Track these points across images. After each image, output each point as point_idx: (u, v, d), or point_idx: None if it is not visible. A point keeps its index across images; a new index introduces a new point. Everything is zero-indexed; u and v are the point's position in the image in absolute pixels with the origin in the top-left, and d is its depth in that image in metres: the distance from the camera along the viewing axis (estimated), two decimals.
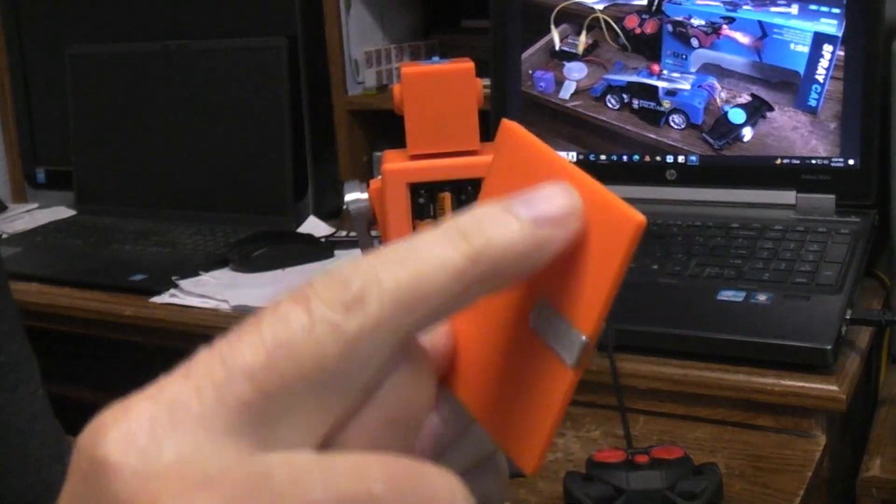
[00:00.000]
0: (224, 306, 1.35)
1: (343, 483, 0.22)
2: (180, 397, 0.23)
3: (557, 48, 1.42)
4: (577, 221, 0.26)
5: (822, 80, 1.27)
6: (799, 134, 1.29)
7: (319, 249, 1.53)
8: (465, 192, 0.59)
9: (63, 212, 1.91)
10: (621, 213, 0.27)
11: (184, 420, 0.23)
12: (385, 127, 1.69)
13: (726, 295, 1.10)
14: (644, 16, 1.37)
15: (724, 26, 1.32)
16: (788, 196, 1.29)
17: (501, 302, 0.29)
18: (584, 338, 0.27)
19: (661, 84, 1.36)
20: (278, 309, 0.24)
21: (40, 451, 0.79)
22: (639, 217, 0.26)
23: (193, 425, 0.23)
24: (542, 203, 0.26)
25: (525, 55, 1.44)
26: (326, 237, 1.61)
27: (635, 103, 1.38)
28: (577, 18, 1.41)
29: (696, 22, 1.34)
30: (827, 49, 1.27)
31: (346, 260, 0.25)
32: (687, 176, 1.35)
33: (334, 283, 0.24)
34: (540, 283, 0.28)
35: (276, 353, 0.23)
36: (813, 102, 1.28)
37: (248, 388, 0.23)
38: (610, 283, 0.26)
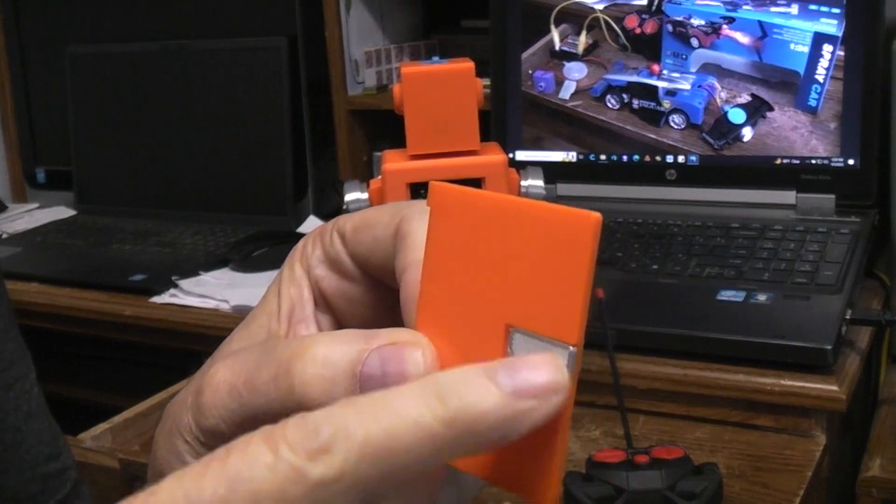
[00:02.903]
0: (224, 306, 1.35)
1: None
2: None
3: (557, 48, 1.42)
4: (560, 398, 0.26)
5: (822, 80, 1.27)
6: (799, 134, 1.29)
7: None
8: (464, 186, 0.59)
9: (63, 212, 1.91)
10: (576, 216, 0.26)
11: None
12: (385, 127, 1.69)
13: (726, 295, 1.10)
14: (644, 16, 1.37)
15: (724, 26, 1.32)
16: (788, 196, 1.29)
17: (474, 355, 0.28)
18: (571, 348, 0.26)
19: (661, 84, 1.36)
20: (248, 446, 0.24)
21: (37, 449, 0.80)
22: (594, 214, 0.26)
23: None
24: (526, 374, 0.25)
25: (525, 55, 1.44)
26: None
27: (635, 103, 1.38)
28: (577, 18, 1.41)
29: (696, 22, 1.34)
30: (827, 49, 1.27)
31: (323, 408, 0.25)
32: (687, 176, 1.35)
33: (304, 429, 0.24)
34: (505, 315, 0.28)
35: (236, 488, 0.23)
36: (813, 102, 1.28)
37: None
38: (583, 288, 0.26)
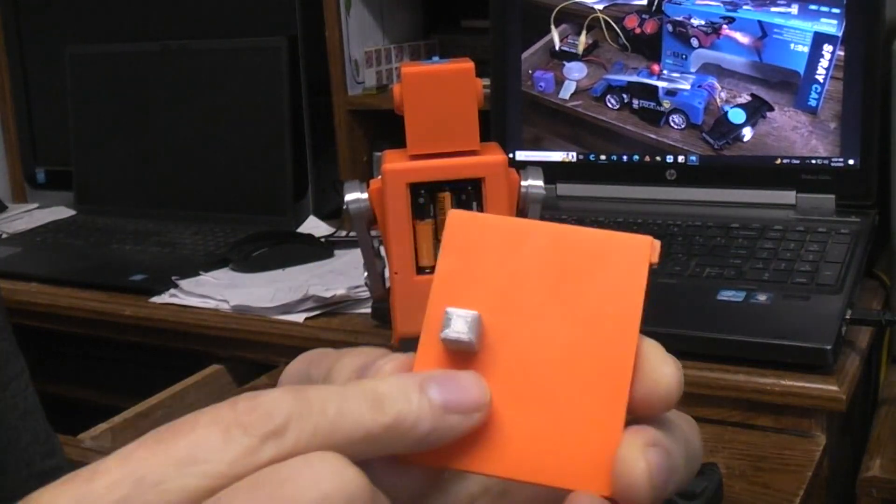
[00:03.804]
0: (224, 306, 1.35)
1: None
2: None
3: (557, 48, 1.42)
4: (483, 414, 0.28)
5: (822, 80, 1.27)
6: (799, 134, 1.29)
7: (319, 249, 1.53)
8: (465, 192, 0.59)
9: (63, 212, 1.90)
10: (631, 239, 0.29)
11: None
12: (385, 127, 1.69)
13: (726, 295, 1.10)
14: (644, 16, 1.37)
15: (724, 26, 1.32)
16: (788, 196, 1.29)
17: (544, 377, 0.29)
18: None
19: (661, 84, 1.36)
20: (195, 427, 0.25)
21: (32, 447, 0.80)
22: (647, 237, 0.29)
23: None
24: (455, 392, 0.28)
25: (525, 55, 1.44)
26: (326, 237, 1.61)
27: (635, 103, 1.38)
28: (577, 18, 1.41)
29: (696, 22, 1.34)
30: (827, 49, 1.27)
31: (272, 389, 0.27)
32: (687, 176, 1.35)
33: (257, 412, 0.25)
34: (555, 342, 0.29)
35: (186, 470, 0.24)
36: (813, 102, 1.28)
37: (155, 496, 0.24)
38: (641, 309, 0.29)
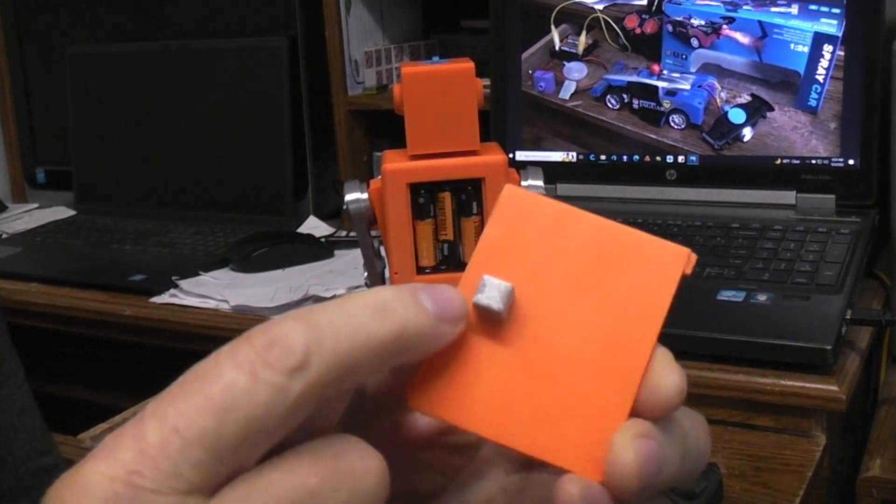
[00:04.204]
0: (224, 306, 1.35)
1: (285, 493, 0.25)
2: (136, 468, 0.25)
3: (557, 48, 1.42)
4: (462, 325, 0.30)
5: (822, 80, 1.27)
6: (799, 134, 1.29)
7: (319, 249, 1.53)
8: (466, 192, 0.59)
9: (63, 212, 1.90)
10: (671, 248, 0.31)
11: (140, 497, 0.25)
12: (385, 127, 1.69)
13: (726, 295, 1.10)
14: (644, 16, 1.37)
15: (724, 26, 1.32)
16: (788, 196, 1.29)
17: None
18: (505, 285, 0.30)
19: (661, 84, 1.36)
20: (219, 369, 0.26)
21: (29, 445, 0.80)
22: (685, 249, 0.30)
23: (149, 499, 0.25)
24: (443, 302, 0.29)
25: (525, 55, 1.44)
26: (326, 237, 1.61)
27: (635, 103, 1.38)
28: (577, 18, 1.41)
29: (696, 22, 1.34)
30: (827, 49, 1.27)
31: (281, 317, 0.27)
32: (687, 176, 1.35)
33: (278, 346, 0.26)
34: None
35: (226, 419, 0.25)
36: (813, 102, 1.28)
37: (200, 454, 0.25)
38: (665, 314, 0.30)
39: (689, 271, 0.31)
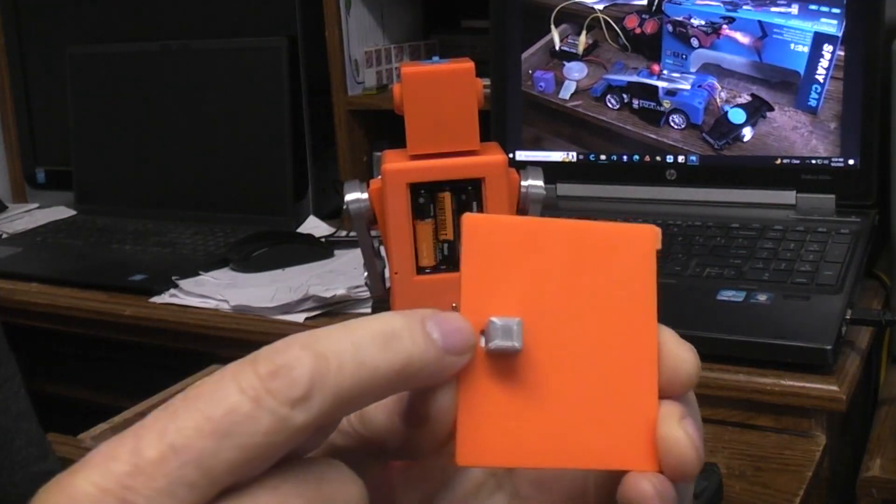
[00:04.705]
0: (224, 306, 1.35)
1: None
2: (130, 483, 0.24)
3: (557, 48, 1.42)
4: (470, 355, 0.29)
5: (822, 80, 1.27)
6: (799, 134, 1.29)
7: (319, 249, 1.53)
8: (466, 192, 0.59)
9: (63, 212, 1.90)
10: (637, 229, 0.31)
11: None
12: (385, 127, 1.69)
13: (726, 295, 1.10)
14: (644, 16, 1.37)
15: (724, 26, 1.32)
16: (788, 196, 1.29)
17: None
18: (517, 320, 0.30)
19: (661, 84, 1.36)
20: (223, 391, 0.26)
21: (26, 450, 0.80)
22: (649, 226, 0.31)
23: None
24: (451, 333, 0.29)
25: (525, 55, 1.44)
26: (326, 237, 1.61)
27: (635, 103, 1.38)
28: (577, 18, 1.41)
29: (696, 22, 1.34)
30: (827, 49, 1.27)
31: (287, 344, 0.27)
32: (687, 176, 1.35)
33: (282, 376, 0.26)
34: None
35: (224, 442, 0.25)
36: (813, 102, 1.28)
37: (196, 475, 0.25)
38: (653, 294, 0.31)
39: (659, 245, 0.32)
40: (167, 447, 0.25)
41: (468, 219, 0.31)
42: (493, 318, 0.30)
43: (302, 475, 0.26)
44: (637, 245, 0.31)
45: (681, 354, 0.32)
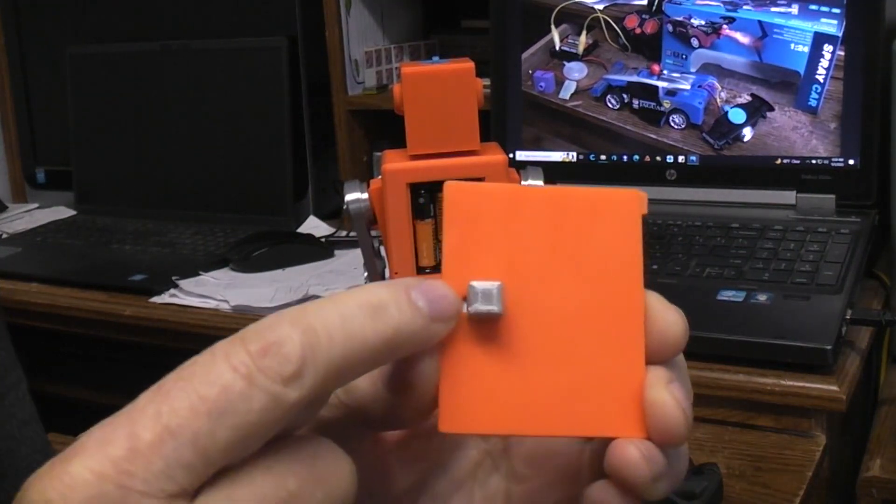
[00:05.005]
0: (224, 306, 1.35)
1: (265, 494, 0.26)
2: (127, 467, 0.24)
3: (557, 48, 1.42)
4: (454, 321, 0.29)
5: (822, 80, 1.27)
6: (799, 134, 1.29)
7: (319, 249, 1.53)
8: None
9: (63, 212, 1.90)
10: (622, 194, 0.30)
11: (129, 499, 0.24)
12: (385, 127, 1.69)
13: (726, 295, 1.10)
14: (644, 16, 1.37)
15: (724, 26, 1.32)
16: (788, 196, 1.29)
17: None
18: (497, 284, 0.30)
19: (661, 84, 1.36)
20: (216, 371, 0.26)
21: (31, 456, 0.80)
22: (635, 191, 0.31)
23: (137, 501, 0.24)
24: (437, 301, 0.29)
25: (525, 55, 1.44)
26: (326, 237, 1.61)
27: (635, 103, 1.38)
28: (577, 18, 1.41)
29: (696, 22, 1.34)
30: (827, 49, 1.27)
31: (276, 320, 0.27)
32: (687, 176, 1.35)
33: (273, 353, 0.26)
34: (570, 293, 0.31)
35: (220, 422, 0.25)
36: (813, 102, 1.28)
37: (192, 455, 0.25)
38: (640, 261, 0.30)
39: (645, 210, 0.31)
40: (163, 429, 0.25)
41: (450, 186, 0.31)
42: (473, 283, 0.30)
43: (295, 454, 0.26)
44: (622, 210, 0.31)
45: (668, 318, 0.31)
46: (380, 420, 0.32)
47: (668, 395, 0.30)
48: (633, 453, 0.29)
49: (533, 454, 0.34)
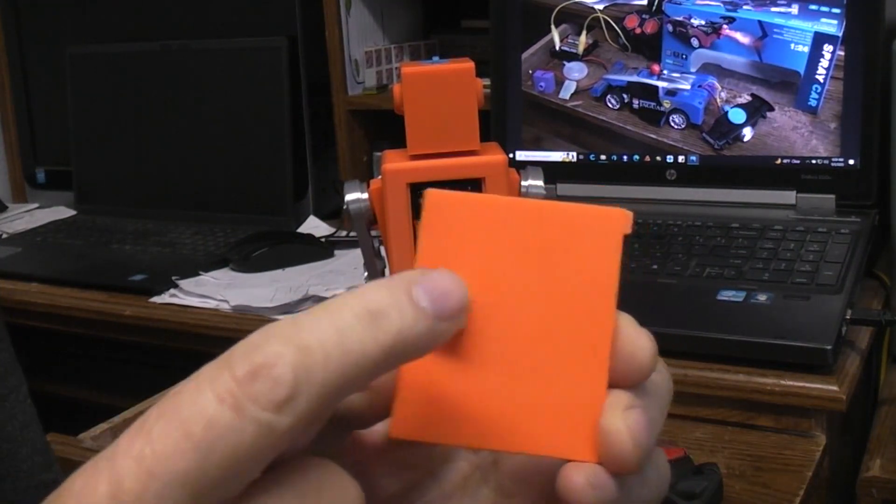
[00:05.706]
0: (224, 306, 1.35)
1: None
2: None
3: (557, 48, 1.42)
4: (463, 317, 0.28)
5: (822, 80, 1.27)
6: (799, 134, 1.29)
7: (319, 249, 1.53)
8: (465, 192, 0.59)
9: (63, 212, 1.90)
10: (608, 212, 0.29)
11: None
12: (385, 127, 1.69)
13: (726, 295, 1.10)
14: (644, 16, 1.37)
15: (724, 26, 1.32)
16: (788, 196, 1.29)
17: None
18: None
19: (661, 84, 1.36)
20: (200, 402, 0.24)
21: (32, 459, 0.80)
22: (620, 209, 0.29)
23: None
24: (442, 298, 0.27)
25: (525, 55, 1.44)
26: (326, 237, 1.61)
27: (635, 103, 1.38)
28: (577, 18, 1.41)
29: (696, 22, 1.34)
30: (827, 49, 1.27)
31: (265, 337, 0.25)
32: (687, 176, 1.35)
33: (263, 377, 0.24)
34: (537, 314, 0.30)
35: (208, 458, 0.23)
36: (813, 102, 1.28)
37: (181, 495, 0.23)
38: (615, 285, 0.29)
39: (628, 230, 0.30)
40: (146, 474, 0.23)
41: (431, 193, 0.30)
42: None
43: (301, 482, 0.25)
44: (604, 228, 0.30)
45: (637, 341, 0.30)
46: (339, 419, 0.31)
47: (620, 422, 0.28)
48: (577, 479, 0.28)
49: (520, 470, 0.34)
